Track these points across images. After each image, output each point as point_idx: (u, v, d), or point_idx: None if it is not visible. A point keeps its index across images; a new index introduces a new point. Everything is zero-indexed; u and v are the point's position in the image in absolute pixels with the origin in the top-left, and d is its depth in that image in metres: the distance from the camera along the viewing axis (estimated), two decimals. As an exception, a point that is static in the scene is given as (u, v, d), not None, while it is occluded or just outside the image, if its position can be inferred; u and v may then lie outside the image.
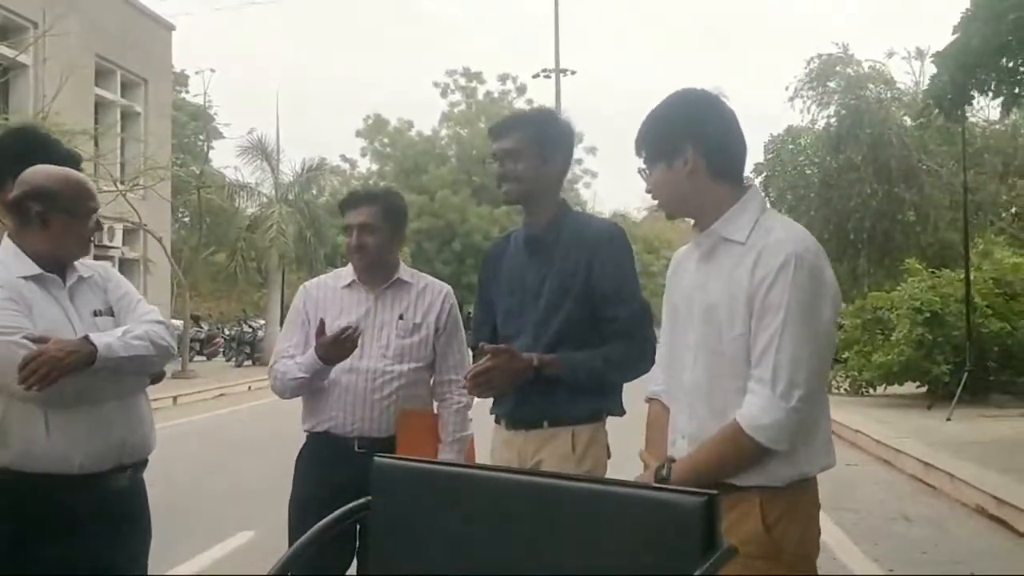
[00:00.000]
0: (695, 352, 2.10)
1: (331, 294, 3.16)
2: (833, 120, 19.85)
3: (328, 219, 25.21)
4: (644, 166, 2.18)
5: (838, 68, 20.03)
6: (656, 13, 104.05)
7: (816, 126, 20.63)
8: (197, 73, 29.27)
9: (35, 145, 2.71)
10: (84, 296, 2.51)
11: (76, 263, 2.55)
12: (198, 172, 24.01)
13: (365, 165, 45.57)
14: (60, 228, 2.44)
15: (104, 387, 2.40)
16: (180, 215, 28.08)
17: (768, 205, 2.15)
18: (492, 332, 2.88)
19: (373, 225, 3.09)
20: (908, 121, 19.61)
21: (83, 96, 18.20)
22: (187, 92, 32.20)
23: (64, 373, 2.26)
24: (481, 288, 3.00)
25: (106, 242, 18.93)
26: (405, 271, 3.22)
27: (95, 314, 2.49)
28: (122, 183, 18.10)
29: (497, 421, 2.85)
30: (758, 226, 2.07)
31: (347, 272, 3.20)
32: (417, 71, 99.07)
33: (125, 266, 20.38)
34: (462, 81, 44.66)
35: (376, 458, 1.72)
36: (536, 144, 2.76)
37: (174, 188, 22.70)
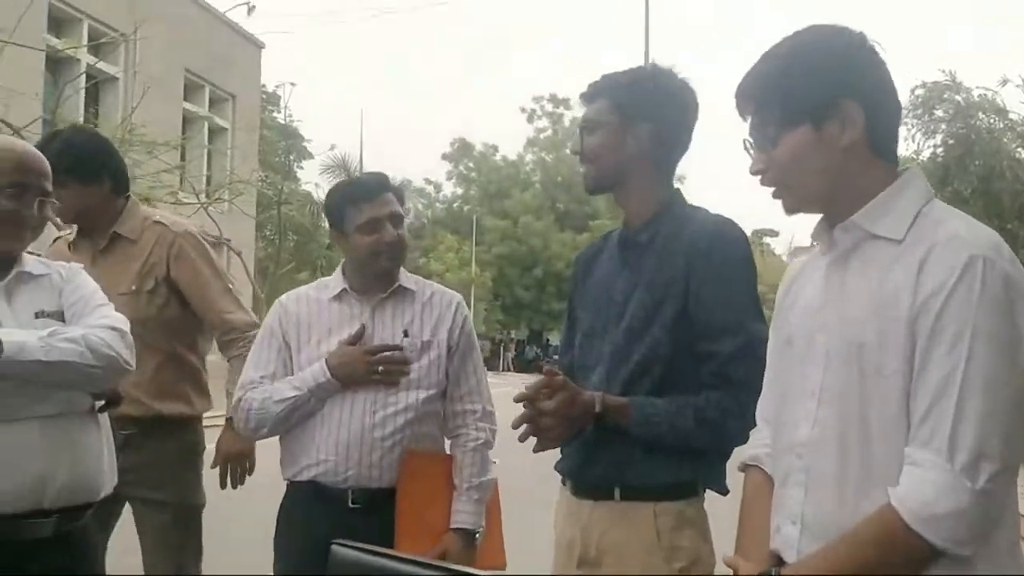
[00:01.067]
0: (819, 399, 1.45)
1: (316, 309, 2.53)
2: (940, 150, 18.73)
3: (410, 241, 25.06)
4: (762, 131, 1.50)
5: (946, 96, 18.91)
6: (749, 28, 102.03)
7: (921, 156, 19.50)
8: (278, 87, 29.56)
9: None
10: (28, 295, 2.04)
11: (26, 257, 2.07)
12: (280, 188, 24.11)
13: (449, 188, 45.74)
14: None
15: (13, 401, 1.88)
16: (267, 233, 28.38)
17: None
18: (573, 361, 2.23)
19: (401, 215, 2.53)
20: (1022, 153, 18.39)
21: (171, 109, 18.35)
22: (278, 112, 32.60)
23: None
24: (569, 303, 2.34)
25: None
26: (407, 277, 2.58)
27: (38, 315, 2.00)
28: (207, 197, 18.15)
29: (563, 480, 2.18)
30: (921, 218, 1.42)
31: (333, 281, 2.58)
32: (503, 96, 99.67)
33: (207, 280, 20.39)
34: (549, 107, 44.61)
35: (334, 546, 1.15)
36: (618, 113, 2.09)
37: (259, 205, 22.83)
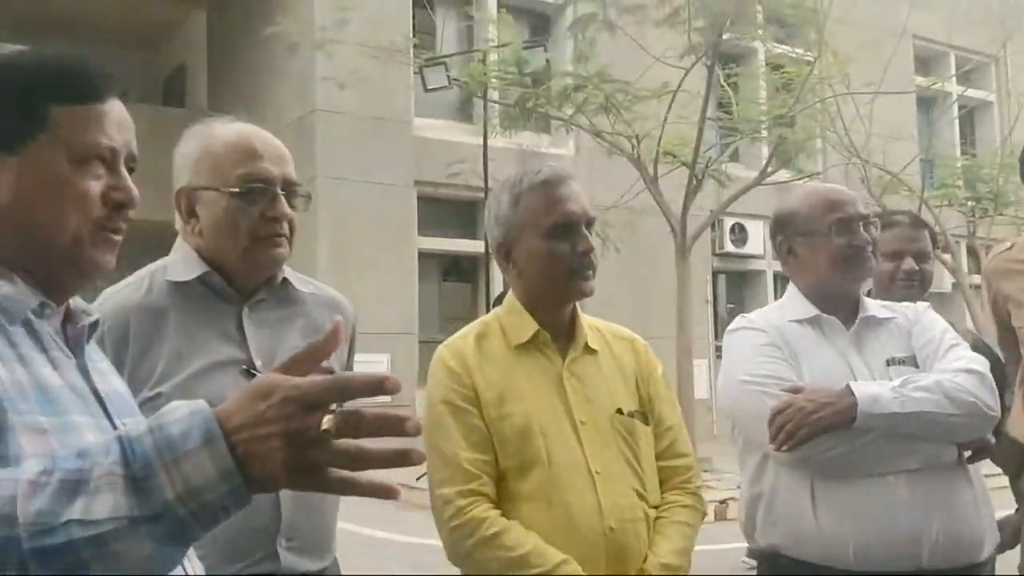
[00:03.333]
0: None
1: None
2: None
3: None
4: None
5: None
6: None
7: None
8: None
9: None
10: (876, 341, 2.00)
11: (867, 302, 2.06)
12: None
13: None
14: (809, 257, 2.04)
15: (878, 455, 1.83)
16: None
17: None
18: None
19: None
20: None
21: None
22: None
23: (819, 431, 1.80)
24: None
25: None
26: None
27: (889, 363, 1.95)
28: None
29: None
30: None
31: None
32: None
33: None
34: None
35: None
36: None
37: None
